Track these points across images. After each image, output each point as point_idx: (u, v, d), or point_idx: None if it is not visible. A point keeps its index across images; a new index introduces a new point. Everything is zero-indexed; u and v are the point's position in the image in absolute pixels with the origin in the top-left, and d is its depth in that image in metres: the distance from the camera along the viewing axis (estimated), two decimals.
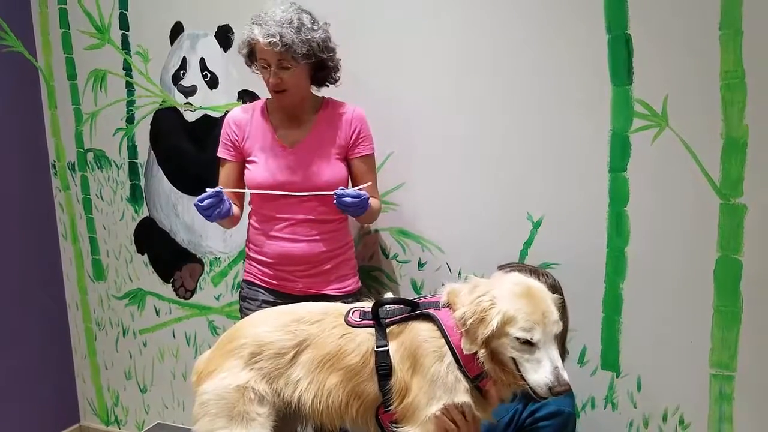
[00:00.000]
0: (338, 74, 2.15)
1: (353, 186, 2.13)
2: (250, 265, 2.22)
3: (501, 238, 2.23)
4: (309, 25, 1.99)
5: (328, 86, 2.19)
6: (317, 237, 2.11)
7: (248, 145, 2.15)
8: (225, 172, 2.22)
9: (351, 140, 2.13)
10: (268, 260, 2.14)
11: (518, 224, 2.20)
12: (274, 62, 1.99)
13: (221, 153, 2.21)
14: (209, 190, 1.99)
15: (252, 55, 2.08)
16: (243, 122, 2.18)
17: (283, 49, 1.95)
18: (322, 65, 2.09)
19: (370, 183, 2.08)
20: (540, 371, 1.50)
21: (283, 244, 2.11)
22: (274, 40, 1.93)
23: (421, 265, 2.39)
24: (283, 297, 2.14)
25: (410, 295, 2.35)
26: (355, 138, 2.14)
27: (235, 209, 2.18)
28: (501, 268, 1.93)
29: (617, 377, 2.15)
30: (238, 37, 2.51)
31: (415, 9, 2.25)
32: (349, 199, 1.97)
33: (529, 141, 2.15)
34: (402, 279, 2.43)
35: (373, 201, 2.11)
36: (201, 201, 1.99)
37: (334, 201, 1.98)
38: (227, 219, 2.13)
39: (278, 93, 2.05)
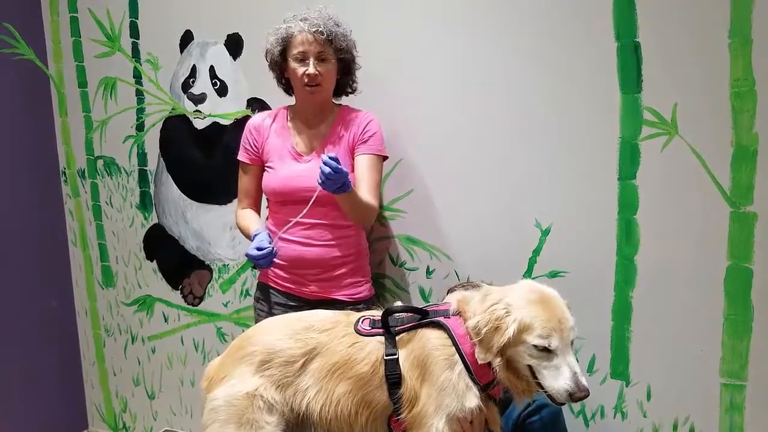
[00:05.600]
0: (355, 84, 2.21)
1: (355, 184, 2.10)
2: None
3: (509, 246, 2.22)
4: (343, 25, 2.10)
5: (347, 95, 2.23)
6: (332, 242, 2.11)
7: (266, 151, 2.19)
8: (245, 176, 2.27)
9: (359, 137, 2.13)
10: (282, 263, 2.14)
11: (527, 232, 2.20)
12: (314, 53, 2.05)
13: (241, 157, 2.26)
14: (264, 245, 2.02)
15: (283, 53, 2.10)
16: (262, 128, 2.21)
17: (327, 40, 2.04)
18: (347, 69, 2.16)
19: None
20: (559, 378, 1.49)
21: (297, 248, 2.11)
22: (320, 29, 2.04)
23: (429, 272, 2.39)
24: (295, 300, 2.16)
25: (418, 303, 2.36)
26: (362, 135, 2.13)
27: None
28: (451, 291, 1.96)
29: (627, 386, 2.14)
30: (248, 46, 2.55)
31: (421, 16, 2.25)
32: (327, 169, 1.83)
33: (538, 149, 2.15)
34: (410, 286, 2.43)
35: (364, 195, 2.06)
36: (257, 259, 2.02)
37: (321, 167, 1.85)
38: None
39: (312, 87, 2.08)
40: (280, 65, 2.14)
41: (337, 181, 1.87)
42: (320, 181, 1.87)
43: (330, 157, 1.84)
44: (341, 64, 2.13)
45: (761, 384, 1.97)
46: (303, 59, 2.06)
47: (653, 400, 2.11)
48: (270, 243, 2.06)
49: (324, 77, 2.07)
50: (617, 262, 2.10)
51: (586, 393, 1.48)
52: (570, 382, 1.48)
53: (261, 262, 2.03)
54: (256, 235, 2.10)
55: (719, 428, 2.04)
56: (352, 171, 2.12)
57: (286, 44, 2.09)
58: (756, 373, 1.97)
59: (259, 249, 2.03)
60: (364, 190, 2.07)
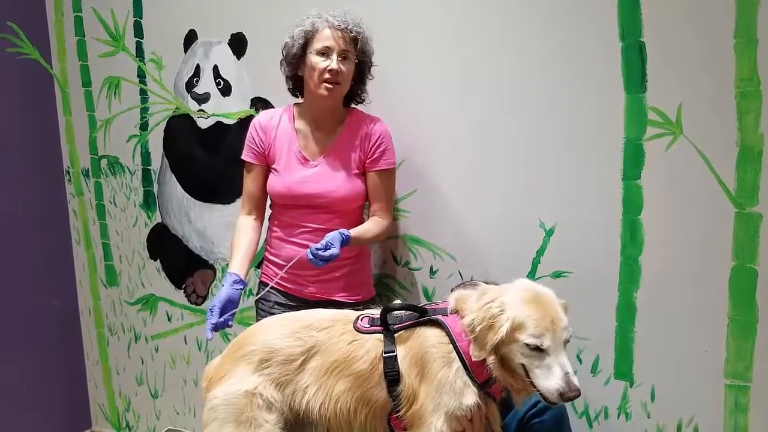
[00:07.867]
0: (365, 95, 2.20)
1: (369, 200, 2.17)
2: (266, 266, 2.24)
3: (513, 246, 2.22)
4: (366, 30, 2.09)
5: (356, 104, 2.21)
6: None
7: (273, 152, 2.16)
8: (250, 177, 2.22)
9: (370, 152, 2.13)
10: (282, 263, 2.14)
11: (531, 232, 2.19)
12: (338, 50, 2.02)
13: (246, 156, 2.21)
14: (226, 311, 2.02)
15: (304, 47, 2.05)
16: (269, 127, 2.18)
17: (352, 39, 2.04)
18: (361, 75, 2.13)
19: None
20: (551, 378, 1.50)
21: (297, 249, 2.10)
22: (348, 26, 2.03)
23: (432, 272, 2.38)
24: (295, 300, 2.16)
25: (422, 303, 2.35)
26: (374, 150, 2.13)
27: (246, 254, 2.17)
28: (453, 291, 1.95)
29: (631, 387, 2.13)
30: (252, 45, 2.56)
31: (426, 16, 2.25)
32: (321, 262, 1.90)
33: (542, 148, 2.14)
34: (413, 286, 2.42)
35: (375, 225, 2.11)
36: (214, 329, 2.00)
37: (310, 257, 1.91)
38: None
39: (331, 85, 2.03)
40: (297, 60, 2.09)
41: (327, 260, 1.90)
42: (310, 258, 1.89)
43: (316, 254, 1.87)
44: (358, 69, 2.10)
45: (766, 385, 1.95)
46: (326, 54, 2.02)
47: (657, 401, 2.10)
48: (233, 307, 2.03)
49: (344, 75, 2.04)
50: (621, 263, 2.08)
51: (577, 393, 1.49)
52: (561, 382, 1.48)
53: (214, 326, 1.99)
54: (226, 282, 2.05)
55: (723, 429, 2.02)
56: (363, 185, 2.14)
57: (309, 37, 2.04)
58: (761, 374, 1.95)
59: (217, 313, 1.99)
60: (379, 209, 2.14)
